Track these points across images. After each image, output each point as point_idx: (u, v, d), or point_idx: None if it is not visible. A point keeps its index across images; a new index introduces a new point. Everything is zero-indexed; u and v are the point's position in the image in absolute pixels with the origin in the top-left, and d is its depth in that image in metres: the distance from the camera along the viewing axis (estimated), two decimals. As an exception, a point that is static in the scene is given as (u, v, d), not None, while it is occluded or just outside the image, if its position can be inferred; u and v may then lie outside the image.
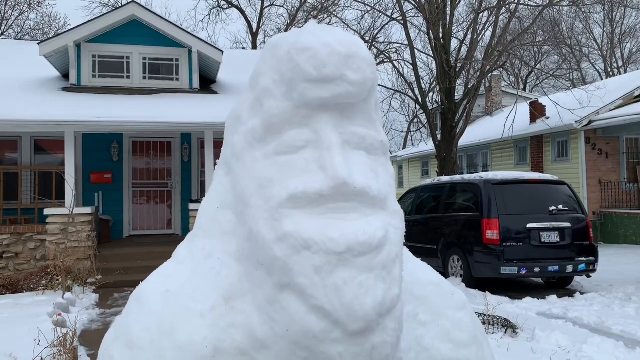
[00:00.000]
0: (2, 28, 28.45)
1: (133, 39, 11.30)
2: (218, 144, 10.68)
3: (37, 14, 29.47)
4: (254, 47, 29.54)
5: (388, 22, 21.85)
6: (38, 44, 10.95)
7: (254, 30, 30.36)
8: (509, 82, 32.88)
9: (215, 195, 0.96)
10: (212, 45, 11.64)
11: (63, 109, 9.44)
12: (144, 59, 11.46)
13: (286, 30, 30.55)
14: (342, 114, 0.86)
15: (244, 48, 30.50)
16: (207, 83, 12.37)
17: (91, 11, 25.86)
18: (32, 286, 7.90)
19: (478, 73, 16.36)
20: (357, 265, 0.78)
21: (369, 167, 0.87)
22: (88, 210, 9.39)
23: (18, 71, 11.57)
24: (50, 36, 12.82)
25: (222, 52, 11.62)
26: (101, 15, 11.40)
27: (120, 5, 11.89)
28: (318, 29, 0.88)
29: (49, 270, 8.04)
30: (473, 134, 21.15)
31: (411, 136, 28.26)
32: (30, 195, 10.83)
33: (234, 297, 0.83)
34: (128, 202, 11.59)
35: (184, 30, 11.70)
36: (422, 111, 18.77)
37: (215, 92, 11.93)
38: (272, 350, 0.80)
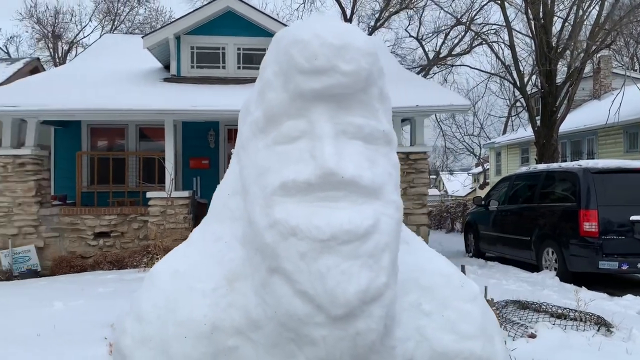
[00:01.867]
0: (115, 23, 30.63)
1: (228, 30, 11.74)
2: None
3: (145, 8, 31.40)
4: (348, 33, 29.51)
5: (487, 3, 20.96)
6: (142, 37, 11.71)
7: (348, 17, 30.33)
8: (621, 63, 30.35)
9: (228, 182, 1.02)
10: (302, 34, 11.82)
11: (164, 99, 10.06)
12: (239, 49, 11.88)
13: (380, 15, 30.21)
14: (339, 105, 0.88)
15: (338, 35, 30.55)
16: (298, 71, 12.60)
17: (193, 3, 27.11)
18: (135, 263, 8.56)
19: (582, 54, 15.26)
20: (341, 252, 0.80)
21: (365, 157, 0.88)
22: (185, 194, 9.98)
23: (125, 63, 12.46)
24: (153, 30, 13.71)
25: (312, 40, 11.76)
26: (198, 8, 11.95)
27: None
28: (315, 21, 0.90)
29: (149, 249, 8.65)
30: (578, 119, 19.83)
31: (511, 121, 27.09)
32: (135, 179, 11.68)
33: (236, 279, 0.88)
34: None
35: (275, 19, 11.98)
36: (521, 95, 17.88)
37: (305, 80, 12.13)
38: (264, 331, 0.85)
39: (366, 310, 0.81)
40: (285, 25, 10.13)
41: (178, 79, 11.51)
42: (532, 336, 4.75)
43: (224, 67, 11.83)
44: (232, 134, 12.29)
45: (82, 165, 11.03)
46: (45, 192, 10.27)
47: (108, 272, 8.92)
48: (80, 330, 4.93)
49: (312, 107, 0.87)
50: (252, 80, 11.52)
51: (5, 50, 30.05)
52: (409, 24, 30.20)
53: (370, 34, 29.49)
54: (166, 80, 11.52)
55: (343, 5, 30.32)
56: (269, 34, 11.70)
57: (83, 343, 4.42)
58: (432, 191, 35.94)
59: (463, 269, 4.48)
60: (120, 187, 11.32)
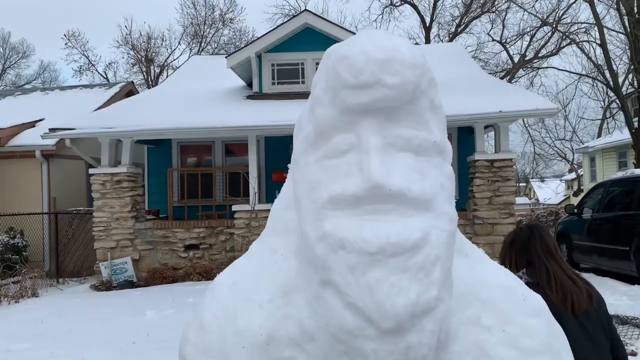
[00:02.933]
0: (202, 45, 32.15)
1: (306, 46, 11.99)
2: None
3: (229, 29, 32.72)
4: (427, 41, 29.16)
5: (574, 2, 19.98)
6: (225, 57, 12.22)
7: (427, 24, 29.99)
8: None
9: (283, 197, 1.05)
10: (379, 45, 11.84)
11: (247, 115, 10.42)
12: (317, 63, 12.08)
13: (461, 21, 29.61)
14: (387, 117, 0.89)
15: (417, 43, 30.30)
16: (377, 82, 12.61)
17: (274, 22, 27.92)
18: (222, 274, 8.86)
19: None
20: (389, 265, 0.80)
21: (414, 169, 0.88)
22: (268, 206, 10.21)
23: (211, 83, 13.05)
24: (236, 49, 14.31)
25: (390, 50, 11.75)
26: (278, 26, 12.31)
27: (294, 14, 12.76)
28: (362, 36, 0.92)
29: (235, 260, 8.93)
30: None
31: (606, 124, 25.44)
32: (222, 193, 12.14)
33: (291, 291, 0.91)
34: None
35: (351, 32, 12.08)
36: (615, 96, 16.79)
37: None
38: (317, 343, 0.86)
39: (417, 324, 0.80)
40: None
41: (260, 95, 11.89)
42: (633, 354, 4.45)
43: (303, 82, 12.08)
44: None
45: (172, 181, 11.63)
46: (139, 207, 10.92)
47: (197, 282, 9.31)
48: (171, 338, 5.18)
49: (359, 121, 0.89)
50: (331, 93, 11.73)
51: (105, 76, 32.38)
52: (492, 28, 29.36)
53: (450, 40, 28.97)
54: (249, 97, 11.93)
55: (422, 14, 30.07)
56: (347, 47, 11.83)
57: (174, 350, 4.64)
58: (522, 199, 34.43)
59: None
60: (208, 201, 11.81)
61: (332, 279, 0.83)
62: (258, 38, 12.10)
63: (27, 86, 33.01)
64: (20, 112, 14.28)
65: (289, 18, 11.99)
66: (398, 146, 0.89)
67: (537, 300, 1.01)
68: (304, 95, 11.55)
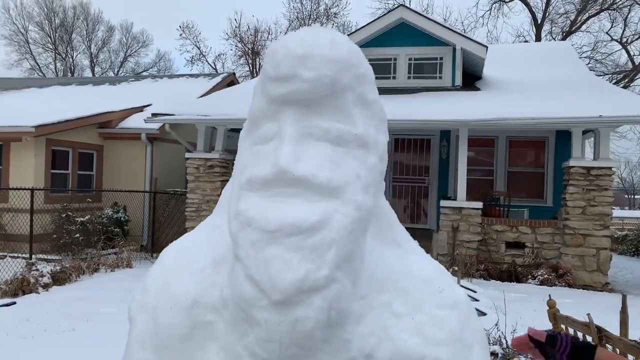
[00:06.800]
0: (305, 39, 32.81)
1: (400, 41, 11.90)
2: (472, 142, 10.52)
3: (333, 24, 33.10)
4: (538, 39, 27.73)
5: None
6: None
7: (539, 22, 28.48)
8: None
9: (232, 180, 1.15)
10: (475, 42, 11.50)
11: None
12: (410, 59, 11.97)
13: (576, 19, 27.81)
14: (310, 109, 0.94)
15: (526, 41, 28.90)
16: (472, 79, 12.25)
17: (377, 17, 27.87)
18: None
19: None
20: (285, 244, 0.87)
21: (327, 158, 0.93)
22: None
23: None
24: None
25: (486, 47, 11.37)
26: (372, 21, 12.31)
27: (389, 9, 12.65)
28: (295, 32, 0.98)
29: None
30: None
31: None
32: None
33: (222, 263, 1.00)
34: (388, 195, 12.29)
35: (448, 28, 11.84)
36: None
37: (477, 89, 11.75)
38: (229, 310, 0.96)
39: (305, 299, 0.86)
40: (457, 33, 10.04)
41: (350, 89, 11.98)
42: None
43: (394, 78, 12.01)
44: (398, 144, 12.39)
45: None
46: (229, 192, 11.46)
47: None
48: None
49: (282, 111, 0.95)
50: (422, 90, 11.58)
51: (213, 67, 34.09)
52: (611, 27, 27.35)
53: (563, 38, 27.32)
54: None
55: (533, 10, 28.60)
56: (441, 43, 11.59)
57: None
58: (633, 213, 31.82)
59: (624, 299, 3.97)
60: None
61: (238, 253, 0.91)
62: (352, 33, 12.18)
63: (144, 73, 35.57)
64: (132, 97, 15.48)
65: (384, 13, 11.93)
66: (316, 136, 0.94)
67: (456, 294, 1.02)
68: (394, 91, 11.53)
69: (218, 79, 17.24)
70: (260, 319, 0.87)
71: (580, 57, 25.96)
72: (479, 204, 9.87)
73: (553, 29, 29.20)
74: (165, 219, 12.88)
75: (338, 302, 0.89)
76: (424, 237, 8.70)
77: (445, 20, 30.08)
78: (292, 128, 0.92)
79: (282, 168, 0.89)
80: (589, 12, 27.41)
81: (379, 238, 1.05)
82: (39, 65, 38.35)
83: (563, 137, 11.43)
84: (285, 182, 0.90)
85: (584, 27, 28.25)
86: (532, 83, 11.64)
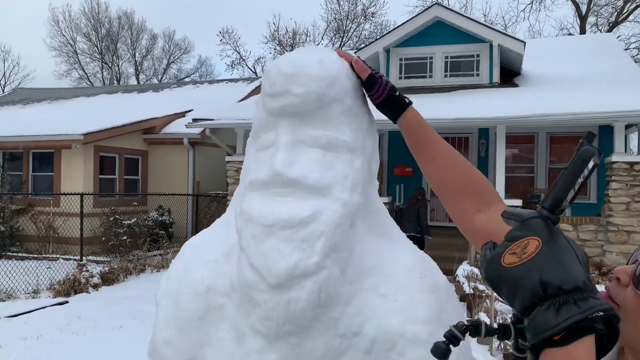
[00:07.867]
0: (343, 40, 33.00)
1: (436, 40, 11.88)
2: (511, 139, 10.41)
3: (371, 23, 33.14)
4: (582, 31, 27.01)
5: None
6: (354, 52, 12.55)
7: (583, 14, 27.74)
8: None
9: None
10: (512, 37, 11.38)
11: (372, 110, 10.65)
12: (446, 57, 11.94)
13: (622, 9, 26.94)
14: (302, 120, 1.09)
15: (570, 34, 28.19)
16: (510, 76, 12.12)
17: (413, 15, 27.75)
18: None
19: None
20: (280, 236, 1.02)
21: (318, 162, 1.07)
22: (385, 199, 10.41)
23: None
24: (365, 45, 14.53)
25: (524, 43, 11.23)
26: (407, 21, 12.33)
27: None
28: (287, 54, 1.14)
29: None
30: None
31: None
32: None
33: (232, 254, 1.16)
34: (427, 194, 12.29)
35: (484, 24, 11.76)
36: None
37: (515, 85, 11.61)
38: (236, 293, 1.12)
39: (297, 283, 1.00)
40: (494, 30, 9.99)
41: (386, 90, 12.04)
42: None
43: (430, 76, 12.00)
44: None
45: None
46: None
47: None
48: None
49: (278, 122, 1.11)
50: (459, 88, 11.54)
51: (253, 70, 34.70)
52: (661, 15, 26.36)
53: (610, 30, 26.52)
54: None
55: (577, 1, 27.87)
56: (477, 40, 11.52)
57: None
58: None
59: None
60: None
61: (242, 244, 1.07)
62: (387, 33, 12.25)
63: (185, 79, 36.52)
64: (174, 103, 16.00)
65: (420, 12, 11.94)
66: (307, 143, 1.10)
67: (436, 279, 1.15)
68: (431, 89, 11.54)
69: (256, 82, 17.60)
70: (260, 300, 1.03)
71: (628, 49, 25.15)
72: (519, 202, 9.76)
73: (598, 20, 28.40)
74: (207, 221, 13.26)
75: (327, 286, 1.03)
76: (461, 236, 8.67)
77: (485, 16, 29.68)
78: (286, 136, 1.08)
79: (277, 171, 1.05)
80: (637, 1, 26.50)
81: (372, 231, 1.18)
82: (87, 75, 39.92)
83: (605, 132, 11.17)
84: (280, 183, 1.06)
85: (631, 17, 27.35)
86: (573, 77, 11.42)
